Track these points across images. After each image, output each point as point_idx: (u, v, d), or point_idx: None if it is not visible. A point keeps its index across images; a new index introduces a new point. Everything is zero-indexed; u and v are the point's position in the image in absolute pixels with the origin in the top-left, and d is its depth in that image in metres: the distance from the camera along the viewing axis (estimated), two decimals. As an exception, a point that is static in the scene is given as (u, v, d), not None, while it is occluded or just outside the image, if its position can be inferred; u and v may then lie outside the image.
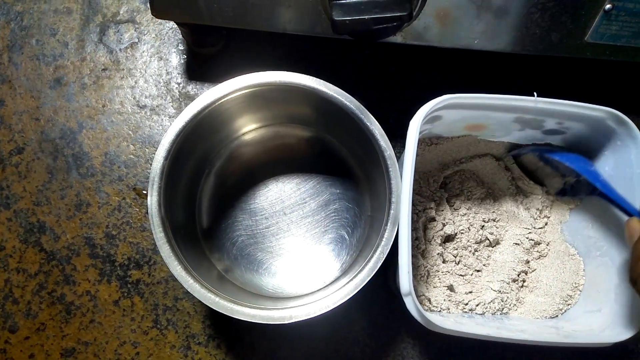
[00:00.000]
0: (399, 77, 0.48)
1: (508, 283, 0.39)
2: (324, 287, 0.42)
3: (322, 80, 0.38)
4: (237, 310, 0.34)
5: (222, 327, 0.43)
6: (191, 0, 0.39)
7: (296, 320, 0.34)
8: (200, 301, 0.43)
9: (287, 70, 0.38)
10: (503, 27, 0.40)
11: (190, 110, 0.37)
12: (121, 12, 0.49)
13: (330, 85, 0.38)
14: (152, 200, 0.36)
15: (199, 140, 0.40)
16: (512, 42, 0.40)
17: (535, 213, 0.41)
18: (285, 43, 0.48)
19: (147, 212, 0.45)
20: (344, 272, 0.42)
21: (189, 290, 0.34)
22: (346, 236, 0.44)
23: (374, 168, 0.41)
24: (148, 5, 0.49)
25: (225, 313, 0.34)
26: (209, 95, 0.37)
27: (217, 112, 0.38)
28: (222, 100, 0.37)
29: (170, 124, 0.47)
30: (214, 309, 0.34)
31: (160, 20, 0.49)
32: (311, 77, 0.38)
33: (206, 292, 0.34)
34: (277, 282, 0.43)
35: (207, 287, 0.35)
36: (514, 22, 0.39)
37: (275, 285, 0.43)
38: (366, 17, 0.36)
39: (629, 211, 0.34)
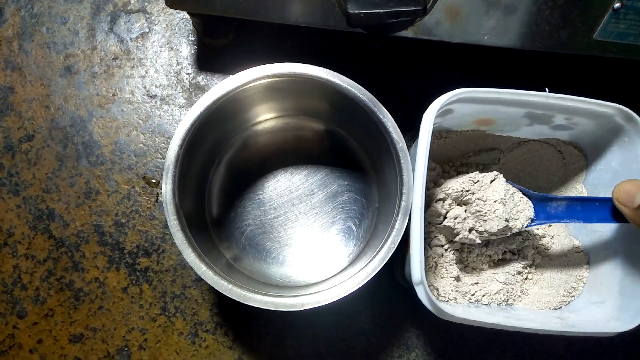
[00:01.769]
0: (408, 71, 0.49)
1: (513, 275, 0.40)
2: (332, 276, 0.42)
3: (335, 73, 0.38)
4: (250, 297, 0.35)
5: (229, 315, 0.44)
6: (205, -10, 0.40)
7: (307, 307, 0.34)
8: (208, 289, 0.44)
9: (297, 62, 0.38)
10: (513, 23, 0.40)
11: (206, 100, 0.37)
12: (132, 2, 0.49)
13: (344, 77, 0.38)
14: (167, 188, 0.36)
15: (212, 130, 0.40)
16: (521, 38, 0.41)
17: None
18: (295, 35, 0.48)
19: (156, 201, 0.45)
20: (351, 262, 0.43)
21: (202, 277, 0.35)
22: (353, 227, 0.44)
23: (383, 160, 0.41)
24: (159, -5, 0.50)
25: (238, 300, 0.34)
26: (224, 85, 0.37)
27: (231, 103, 0.39)
28: (237, 90, 0.38)
29: (180, 113, 0.47)
30: (227, 295, 0.34)
31: (171, 11, 0.49)
32: (325, 69, 0.38)
33: (219, 279, 0.35)
34: (285, 271, 0.43)
35: (220, 274, 0.35)
36: (524, 18, 0.40)
37: (283, 274, 0.43)
38: (381, 10, 0.36)
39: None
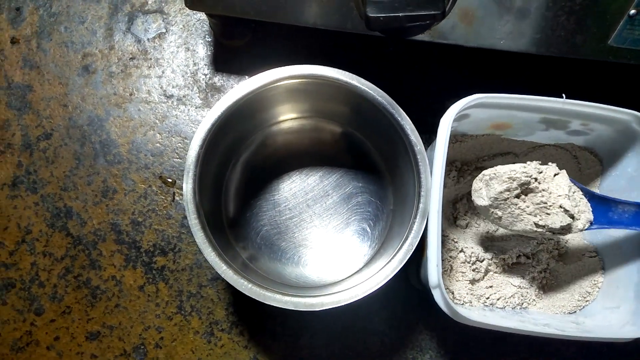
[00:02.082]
0: (421, 75, 0.49)
1: (527, 279, 0.40)
2: (348, 277, 0.42)
3: (354, 75, 0.39)
4: (269, 296, 0.35)
5: (245, 314, 0.44)
6: (224, -8, 0.40)
7: (327, 307, 0.35)
8: (224, 288, 0.44)
9: (312, 64, 0.39)
10: (528, 28, 0.41)
11: (226, 101, 0.37)
12: (149, 2, 0.50)
13: (362, 79, 0.39)
14: (188, 187, 0.36)
15: (230, 130, 0.41)
16: (536, 43, 0.41)
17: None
18: (310, 37, 0.49)
19: (172, 200, 0.46)
20: (367, 264, 0.43)
21: (222, 276, 0.35)
22: (368, 229, 0.45)
23: (399, 162, 0.41)
24: (177, -4, 0.50)
25: (258, 299, 0.35)
26: (244, 86, 0.38)
27: (250, 103, 0.39)
28: (257, 92, 0.38)
29: (197, 114, 0.48)
30: (247, 294, 0.35)
31: (187, 12, 0.50)
32: (344, 72, 0.39)
33: (239, 278, 0.35)
34: (300, 271, 0.44)
35: (240, 273, 0.35)
36: (539, 24, 0.40)
37: (298, 274, 0.44)
38: (400, 14, 0.36)
39: None
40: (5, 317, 0.44)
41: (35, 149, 0.46)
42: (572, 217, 0.34)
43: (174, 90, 0.48)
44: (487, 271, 0.40)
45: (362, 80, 0.39)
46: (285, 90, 0.40)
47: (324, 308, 0.35)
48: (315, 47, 0.49)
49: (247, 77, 0.49)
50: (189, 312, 0.44)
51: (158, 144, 0.47)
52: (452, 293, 0.38)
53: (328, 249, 0.44)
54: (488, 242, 0.43)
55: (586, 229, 0.35)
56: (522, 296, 0.40)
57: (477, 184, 0.36)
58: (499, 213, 0.35)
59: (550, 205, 0.34)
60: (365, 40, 0.48)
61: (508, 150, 0.43)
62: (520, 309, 0.39)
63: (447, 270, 0.39)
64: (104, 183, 0.46)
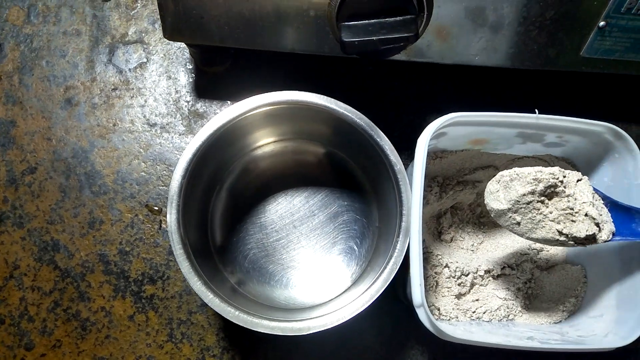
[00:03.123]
0: (402, 92, 0.50)
1: (513, 290, 0.41)
2: (336, 297, 0.43)
3: (332, 99, 0.39)
4: (257, 322, 0.35)
5: (236, 339, 0.44)
6: (202, 23, 0.41)
7: (314, 331, 0.35)
8: (214, 314, 0.45)
9: (294, 88, 0.40)
10: (502, 43, 0.42)
11: (207, 129, 0.38)
12: (129, 33, 0.50)
13: (340, 103, 0.39)
14: (172, 218, 0.37)
15: (212, 158, 0.41)
16: (511, 57, 0.42)
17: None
18: (290, 61, 0.49)
19: (159, 228, 0.46)
20: (354, 282, 0.44)
21: (209, 305, 0.35)
22: (355, 247, 0.45)
23: (382, 181, 0.42)
24: (156, 26, 0.51)
25: (245, 326, 0.35)
26: (224, 114, 0.38)
27: (231, 130, 0.40)
28: (237, 119, 0.39)
29: (181, 141, 0.48)
30: (235, 322, 0.35)
31: (168, 41, 0.50)
32: (322, 96, 0.39)
33: (226, 305, 0.36)
34: (289, 293, 0.44)
35: (227, 301, 0.36)
36: (513, 39, 0.41)
37: (287, 296, 0.44)
38: (374, 38, 0.37)
39: None
40: (-4, 354, 0.44)
41: (21, 183, 0.47)
42: (597, 225, 0.32)
43: (157, 119, 0.49)
44: (472, 285, 0.41)
45: (340, 103, 0.39)
46: (266, 115, 0.41)
47: (311, 332, 0.35)
48: (295, 71, 0.49)
49: (229, 102, 0.49)
50: (179, 339, 0.44)
51: (143, 173, 0.47)
52: (438, 309, 0.39)
53: (316, 269, 0.44)
54: (473, 255, 0.43)
55: (609, 240, 0.33)
56: (508, 308, 0.40)
57: (494, 185, 0.34)
58: (518, 218, 0.33)
59: (576, 212, 0.32)
60: (344, 61, 0.49)
61: (488, 163, 0.44)
62: (506, 320, 0.40)
63: (432, 286, 0.40)
64: (90, 214, 0.46)
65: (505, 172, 0.33)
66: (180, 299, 0.45)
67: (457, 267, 0.40)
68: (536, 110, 0.37)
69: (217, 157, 0.42)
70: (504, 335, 0.35)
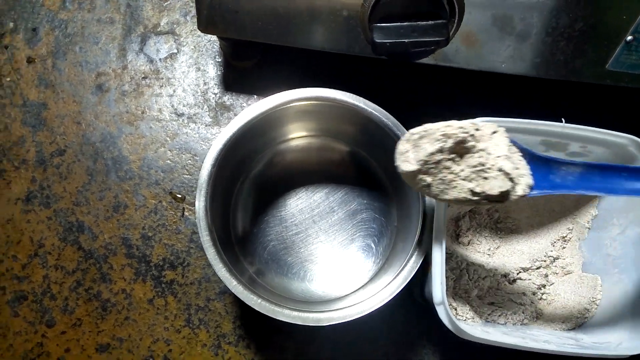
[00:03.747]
0: (424, 94, 0.51)
1: (528, 295, 0.41)
2: (352, 292, 0.44)
3: (361, 98, 0.40)
4: (279, 311, 0.36)
5: (252, 328, 0.45)
6: (236, 17, 0.42)
7: (334, 322, 0.36)
8: (231, 302, 0.46)
9: (318, 86, 0.40)
10: (528, 52, 0.42)
11: (239, 121, 0.39)
12: (162, 24, 0.52)
13: (369, 102, 0.40)
14: (200, 205, 0.38)
15: (240, 149, 0.42)
16: (536, 67, 0.43)
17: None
18: (317, 59, 0.50)
19: (182, 216, 0.47)
20: (371, 279, 0.45)
21: (233, 291, 0.36)
22: (373, 245, 0.46)
23: (404, 182, 0.43)
24: (188, 18, 0.52)
25: (267, 314, 0.36)
26: (256, 107, 0.39)
27: (261, 123, 0.40)
28: (268, 112, 0.40)
29: (207, 132, 0.49)
30: (257, 309, 0.36)
31: (198, 33, 0.52)
32: (351, 94, 0.40)
33: (249, 293, 0.36)
34: (306, 286, 0.45)
35: (250, 288, 0.37)
36: (540, 48, 0.42)
37: (304, 289, 0.45)
38: (405, 40, 0.38)
39: None
40: (17, 328, 0.45)
41: (49, 164, 0.48)
42: (512, 180, 0.30)
43: (185, 109, 0.50)
44: (488, 288, 0.41)
45: (369, 102, 0.40)
46: (295, 111, 0.42)
47: (331, 323, 0.36)
48: (321, 69, 0.50)
49: (255, 96, 0.50)
50: (197, 325, 0.45)
51: (168, 161, 0.48)
52: (455, 309, 0.39)
53: (333, 264, 0.45)
54: (489, 259, 0.44)
55: (527, 195, 0.30)
56: (523, 313, 0.41)
57: (403, 145, 0.31)
58: (429, 180, 0.31)
59: (488, 168, 0.30)
60: (370, 62, 0.50)
61: (509, 169, 0.44)
62: (521, 325, 0.40)
63: (449, 286, 0.40)
64: (116, 198, 0.47)
65: (415, 130, 0.31)
66: (199, 286, 0.46)
67: (474, 270, 0.41)
68: (562, 120, 0.37)
69: (244, 148, 0.43)
70: (520, 337, 0.35)
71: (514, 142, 0.32)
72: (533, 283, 0.41)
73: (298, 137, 0.47)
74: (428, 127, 0.30)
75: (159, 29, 0.52)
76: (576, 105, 0.51)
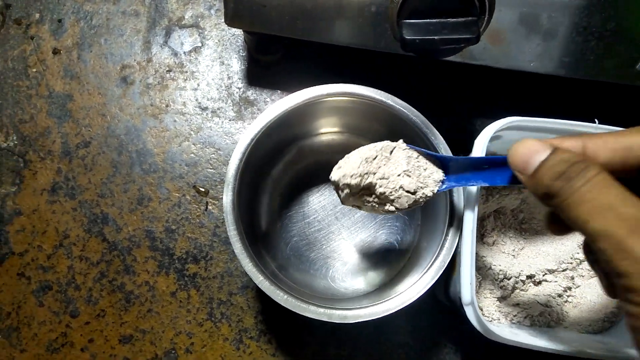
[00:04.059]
0: (449, 93, 0.50)
1: (554, 297, 0.41)
2: (375, 290, 0.43)
3: (390, 95, 0.40)
4: (305, 307, 0.36)
5: (273, 323, 0.45)
6: (263, 11, 0.42)
7: (360, 320, 0.36)
8: (253, 297, 0.46)
9: (342, 81, 0.40)
10: (558, 51, 0.42)
11: (266, 116, 0.39)
12: (186, 17, 0.51)
13: (397, 99, 0.40)
14: (227, 199, 0.38)
15: (266, 144, 0.42)
16: (565, 66, 0.42)
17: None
18: (340, 54, 0.50)
19: (205, 210, 0.47)
20: (394, 277, 0.44)
21: (259, 286, 0.36)
22: (395, 243, 0.46)
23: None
24: (212, 11, 0.52)
25: (293, 310, 0.36)
26: (283, 102, 0.39)
27: (288, 119, 0.40)
28: (294, 108, 0.39)
29: (230, 126, 0.49)
30: (283, 305, 0.36)
31: (222, 27, 0.51)
32: (379, 91, 0.40)
33: (275, 288, 0.36)
34: (329, 283, 0.45)
35: (276, 284, 0.37)
36: (570, 47, 0.41)
37: (326, 285, 0.45)
38: (435, 37, 0.38)
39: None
40: (42, 318, 0.45)
41: (75, 156, 0.48)
42: (415, 192, 0.34)
43: (209, 103, 0.50)
44: (514, 289, 0.41)
45: (397, 99, 0.40)
46: (321, 107, 0.41)
47: (357, 321, 0.36)
48: (344, 64, 0.50)
49: (279, 91, 0.50)
50: (219, 319, 0.45)
51: (192, 155, 0.48)
52: (481, 310, 0.39)
53: (355, 261, 0.45)
54: (514, 260, 0.44)
55: (439, 191, 0.34)
56: (549, 315, 0.40)
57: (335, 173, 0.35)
58: (358, 203, 0.36)
59: (391, 192, 0.34)
60: (393, 58, 0.49)
61: (535, 170, 0.44)
62: (546, 327, 0.40)
63: (476, 287, 0.40)
64: (140, 191, 0.47)
65: (334, 176, 0.35)
66: (221, 280, 0.46)
67: (500, 270, 0.41)
68: (596, 120, 0.37)
69: (269, 143, 0.43)
70: (547, 340, 0.35)
71: (413, 148, 0.35)
72: (559, 285, 0.41)
73: (323, 134, 0.47)
74: (340, 174, 0.34)
75: (183, 22, 0.51)
76: (606, 106, 0.50)
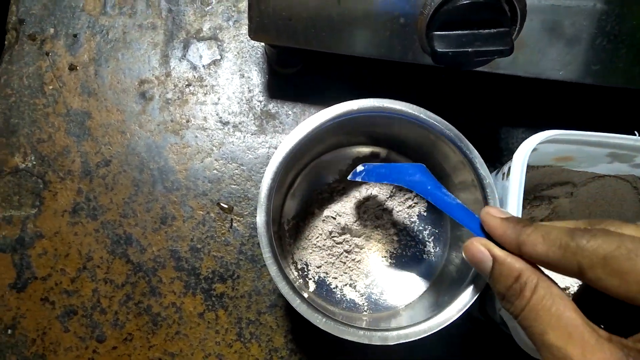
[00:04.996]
0: (474, 103, 0.50)
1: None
2: (407, 305, 0.43)
3: (422, 109, 0.39)
4: (344, 330, 0.35)
5: (304, 341, 0.44)
6: (289, 24, 0.41)
7: (402, 341, 0.35)
8: (282, 316, 0.45)
9: (363, 93, 0.40)
10: (587, 59, 0.41)
11: (297, 134, 0.38)
12: (204, 29, 0.50)
13: (430, 112, 0.39)
14: (261, 220, 0.37)
15: (293, 162, 0.41)
16: (594, 74, 0.42)
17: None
18: (360, 66, 0.49)
19: (230, 227, 0.46)
20: (425, 292, 0.44)
21: (297, 309, 0.35)
22: (425, 257, 0.45)
23: (460, 193, 0.42)
24: (230, 23, 0.51)
25: (332, 333, 0.35)
26: (313, 120, 0.38)
27: (315, 135, 0.39)
28: (323, 125, 0.38)
29: (253, 141, 0.48)
30: (322, 328, 0.35)
31: (242, 38, 0.50)
32: (412, 105, 0.39)
33: (313, 312, 0.35)
34: (357, 299, 0.44)
35: (314, 307, 0.36)
36: (600, 55, 0.41)
37: (356, 302, 0.44)
38: (469, 50, 0.37)
39: (470, 228, 0.32)
40: (68, 344, 0.44)
41: (95, 175, 0.47)
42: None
43: (230, 117, 0.49)
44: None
45: (429, 113, 0.39)
46: (351, 122, 0.41)
47: (399, 342, 0.35)
48: (364, 75, 0.49)
49: (300, 104, 0.49)
50: (248, 339, 0.44)
51: (215, 171, 0.47)
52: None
53: (383, 276, 0.44)
54: (545, 271, 0.43)
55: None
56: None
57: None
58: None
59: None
60: (415, 67, 0.48)
61: (567, 180, 0.43)
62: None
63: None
64: (163, 210, 0.46)
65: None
66: (249, 299, 0.45)
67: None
68: (636, 132, 0.36)
69: (295, 161, 0.42)
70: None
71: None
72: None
73: (341, 148, 0.46)
74: None
75: (201, 35, 0.50)
76: (634, 114, 0.49)
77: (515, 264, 0.27)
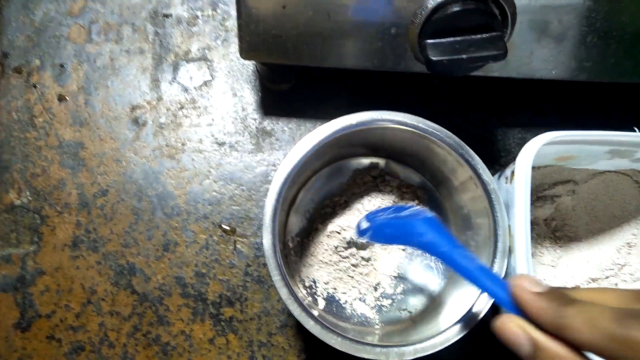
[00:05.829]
0: (467, 105, 0.50)
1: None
2: (418, 314, 0.42)
3: (421, 118, 0.39)
4: (360, 348, 0.35)
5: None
6: (280, 42, 0.40)
7: (419, 355, 0.35)
8: (293, 335, 0.44)
9: (358, 104, 0.40)
10: (579, 56, 0.41)
11: (297, 152, 0.38)
12: (192, 51, 0.50)
13: (429, 122, 0.39)
14: (267, 242, 0.36)
15: (295, 180, 0.41)
16: (587, 70, 0.42)
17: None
18: (353, 77, 0.49)
19: (234, 249, 0.46)
20: (434, 302, 0.43)
21: (311, 331, 0.35)
22: (432, 265, 0.45)
23: (461, 194, 0.42)
24: (218, 42, 0.50)
25: (349, 352, 0.35)
26: (311, 137, 0.38)
27: (314, 152, 0.39)
28: (322, 141, 0.38)
29: (250, 159, 0.48)
30: (338, 348, 0.35)
31: (231, 57, 0.50)
32: (410, 115, 0.39)
33: (327, 332, 0.35)
34: (368, 312, 0.43)
35: (328, 327, 0.35)
36: (590, 52, 0.41)
37: (367, 316, 0.43)
38: (464, 56, 0.37)
39: (499, 302, 0.29)
40: (77, 381, 0.43)
41: (93, 206, 0.46)
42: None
43: (225, 137, 0.48)
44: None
45: (428, 122, 0.39)
46: (346, 136, 0.40)
47: (416, 356, 0.35)
48: (358, 86, 0.49)
49: (295, 119, 0.49)
50: (261, 361, 0.44)
51: (215, 193, 0.47)
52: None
53: (392, 287, 0.44)
54: (554, 272, 0.43)
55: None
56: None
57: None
58: None
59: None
60: (406, 76, 0.48)
61: (568, 178, 0.43)
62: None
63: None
64: (164, 236, 0.46)
65: None
66: (259, 321, 0.44)
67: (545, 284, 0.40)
68: (635, 129, 0.36)
69: (297, 178, 0.42)
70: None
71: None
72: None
73: (347, 159, 0.46)
74: None
75: (190, 56, 0.50)
76: (627, 109, 0.49)
77: (559, 351, 0.24)
